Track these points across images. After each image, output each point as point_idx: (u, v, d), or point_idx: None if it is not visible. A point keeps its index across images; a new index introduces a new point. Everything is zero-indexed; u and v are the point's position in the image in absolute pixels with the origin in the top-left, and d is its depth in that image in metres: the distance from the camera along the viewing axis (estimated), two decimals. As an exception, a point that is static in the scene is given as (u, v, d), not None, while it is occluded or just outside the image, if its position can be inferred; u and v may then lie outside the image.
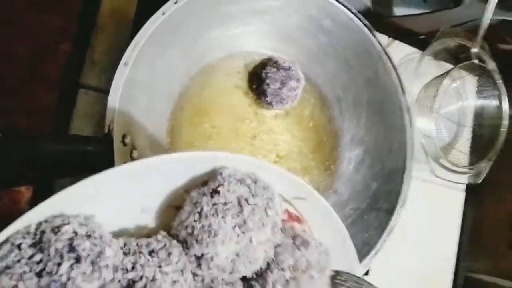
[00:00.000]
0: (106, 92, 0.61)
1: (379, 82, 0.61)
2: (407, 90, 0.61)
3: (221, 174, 0.32)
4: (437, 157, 0.75)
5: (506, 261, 0.85)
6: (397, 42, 0.80)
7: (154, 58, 0.51)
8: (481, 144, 0.80)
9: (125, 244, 0.31)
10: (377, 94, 0.63)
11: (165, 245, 0.31)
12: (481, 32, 0.70)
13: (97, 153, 0.44)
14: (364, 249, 0.57)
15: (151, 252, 0.30)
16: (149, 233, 0.34)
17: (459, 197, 0.86)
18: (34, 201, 0.55)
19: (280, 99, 0.60)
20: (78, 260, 0.26)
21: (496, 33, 0.82)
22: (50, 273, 0.25)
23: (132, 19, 0.63)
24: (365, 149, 0.65)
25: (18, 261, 0.25)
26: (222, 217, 0.31)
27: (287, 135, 0.64)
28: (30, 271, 0.25)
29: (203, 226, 0.31)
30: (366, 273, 0.66)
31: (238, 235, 0.31)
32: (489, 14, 0.66)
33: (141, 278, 0.29)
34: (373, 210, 0.60)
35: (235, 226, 0.31)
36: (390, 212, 0.58)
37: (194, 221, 0.31)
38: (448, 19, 0.81)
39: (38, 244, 0.26)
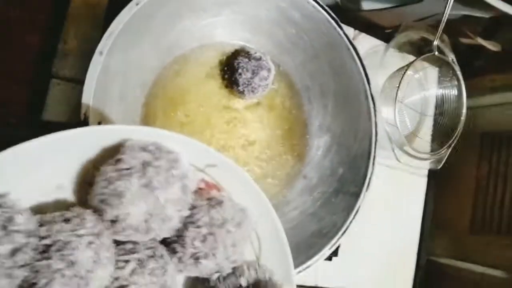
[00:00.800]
0: (79, 82, 0.62)
1: (345, 72, 0.64)
2: (372, 80, 0.64)
3: (124, 145, 0.35)
4: (401, 144, 0.78)
5: (466, 245, 0.89)
6: (363, 34, 0.83)
7: (128, 47, 0.52)
8: (442, 132, 0.84)
9: (41, 217, 0.33)
10: (343, 83, 0.65)
11: (78, 213, 0.33)
12: (442, 25, 0.73)
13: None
14: (332, 230, 0.60)
15: (65, 220, 0.32)
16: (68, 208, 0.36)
17: (422, 183, 0.90)
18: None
19: (251, 88, 0.62)
20: None
21: (457, 27, 0.86)
22: None
23: (104, 10, 0.63)
24: (332, 136, 0.68)
25: None
26: (128, 180, 0.33)
27: (258, 123, 0.66)
28: None
29: (111, 191, 0.33)
30: (335, 253, 0.69)
31: (145, 194, 0.33)
32: (448, 9, 0.70)
33: (56, 242, 0.31)
34: (340, 193, 0.63)
35: (141, 186, 0.33)
36: (356, 195, 0.61)
37: (103, 187, 0.33)
38: (412, 14, 0.85)
39: None
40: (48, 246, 0.30)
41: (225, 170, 0.40)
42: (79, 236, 0.31)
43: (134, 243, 0.36)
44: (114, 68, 0.50)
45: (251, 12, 0.63)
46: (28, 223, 0.31)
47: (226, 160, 0.40)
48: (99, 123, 0.48)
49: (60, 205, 0.35)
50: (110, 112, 0.52)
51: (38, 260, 0.30)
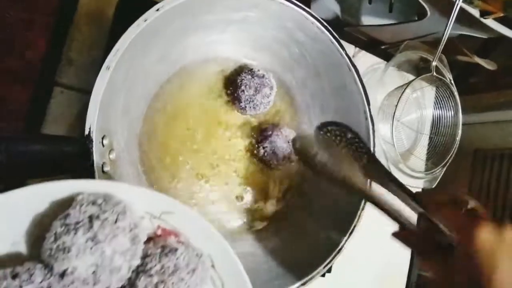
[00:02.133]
0: (82, 91, 0.62)
1: (346, 91, 0.64)
2: (371, 98, 0.65)
3: (75, 199, 0.37)
4: (396, 162, 0.79)
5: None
6: (363, 52, 0.84)
7: (133, 61, 0.52)
8: (437, 151, 0.86)
9: None
10: (343, 103, 0.66)
11: (28, 268, 0.34)
12: (441, 47, 0.74)
13: (78, 153, 0.45)
14: (328, 249, 0.60)
15: (14, 276, 0.33)
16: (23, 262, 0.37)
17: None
18: None
19: (253, 105, 0.63)
20: None
21: (455, 45, 0.87)
22: None
23: (111, 19, 0.64)
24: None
25: None
26: (74, 234, 0.34)
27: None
28: None
29: (58, 246, 0.34)
30: (328, 270, 0.70)
31: (91, 248, 0.34)
32: (448, 31, 0.71)
33: None
34: (336, 211, 0.64)
35: (87, 240, 0.34)
36: (352, 214, 0.62)
37: (51, 242, 0.34)
38: (411, 31, 0.86)
39: None
40: None
41: (183, 216, 0.41)
42: None
43: None
44: (118, 82, 0.50)
45: (257, 31, 0.64)
46: None
47: (182, 207, 0.41)
48: (103, 137, 0.49)
49: (16, 260, 0.37)
50: (114, 125, 0.52)
51: None
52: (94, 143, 0.46)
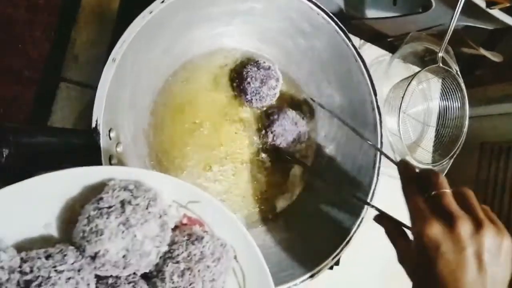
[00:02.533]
0: (87, 86, 0.63)
1: (352, 82, 0.64)
2: (377, 90, 0.64)
3: (107, 184, 0.38)
4: (403, 154, 0.79)
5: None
6: (368, 44, 0.83)
7: (139, 54, 0.52)
8: (444, 143, 0.85)
9: (26, 254, 0.35)
10: (349, 94, 0.66)
11: (61, 249, 0.35)
12: (447, 37, 0.74)
13: (85, 146, 0.45)
14: (336, 240, 0.60)
15: (47, 256, 0.34)
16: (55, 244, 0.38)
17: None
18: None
19: (259, 97, 0.62)
20: None
21: (460, 37, 0.86)
22: None
23: (116, 13, 0.64)
24: (337, 146, 0.69)
25: None
26: (107, 218, 0.36)
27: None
28: None
29: (91, 228, 0.35)
30: (337, 263, 0.69)
31: (122, 231, 0.36)
32: (454, 23, 0.70)
33: (37, 277, 0.33)
34: (345, 203, 0.64)
35: (119, 224, 0.36)
36: (360, 205, 0.62)
37: (84, 225, 0.36)
38: (416, 23, 0.86)
39: None
40: (29, 282, 0.32)
41: (208, 206, 0.43)
42: (59, 272, 0.33)
43: (116, 277, 0.38)
44: (124, 75, 0.50)
45: (262, 22, 0.63)
46: (11, 260, 0.33)
47: (208, 197, 0.42)
48: (110, 130, 0.49)
49: (47, 242, 0.38)
50: (120, 119, 0.52)
51: None
52: (101, 135, 0.46)
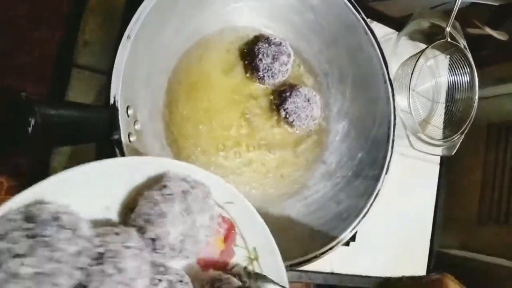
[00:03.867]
0: (99, 71, 0.63)
1: (363, 56, 0.65)
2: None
3: (167, 174, 0.41)
4: (415, 131, 0.79)
5: (474, 236, 0.90)
6: (375, 22, 0.83)
7: (153, 32, 0.53)
8: (454, 119, 0.85)
9: (98, 229, 0.37)
10: (361, 68, 0.66)
11: (125, 230, 0.38)
12: (454, 11, 0.74)
13: (105, 121, 0.45)
14: (352, 214, 0.60)
15: (116, 233, 0.37)
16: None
17: (435, 170, 0.90)
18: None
19: (271, 74, 0.62)
20: (61, 227, 0.33)
21: (465, 16, 0.86)
22: (40, 236, 0.31)
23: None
24: (350, 121, 0.69)
25: (12, 230, 0.31)
26: (171, 203, 0.38)
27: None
28: (23, 236, 0.31)
29: (156, 212, 0.38)
30: (353, 238, 0.70)
31: (184, 217, 0.39)
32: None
33: (108, 251, 0.35)
34: (360, 177, 0.64)
35: (181, 210, 0.39)
36: (376, 178, 0.62)
37: (149, 208, 0.38)
38: (420, 3, 0.86)
39: (28, 217, 0.32)
40: (101, 254, 0.34)
41: (241, 208, 0.45)
42: (128, 247, 0.35)
43: (166, 267, 0.40)
44: (139, 53, 0.51)
45: (271, -1, 0.64)
46: (88, 232, 0.35)
47: (242, 200, 0.45)
48: (128, 108, 0.49)
49: (106, 224, 0.40)
50: (137, 97, 0.52)
51: (92, 266, 0.34)
52: (119, 112, 0.46)
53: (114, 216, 0.41)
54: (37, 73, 0.62)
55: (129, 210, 0.41)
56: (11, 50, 0.61)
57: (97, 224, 0.39)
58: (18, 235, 0.31)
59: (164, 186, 0.39)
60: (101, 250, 0.34)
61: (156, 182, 0.40)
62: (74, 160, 0.60)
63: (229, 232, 0.46)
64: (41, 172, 0.59)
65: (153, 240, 0.38)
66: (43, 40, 0.62)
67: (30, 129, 0.35)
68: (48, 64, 0.63)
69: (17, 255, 0.30)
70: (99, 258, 0.34)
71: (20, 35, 0.61)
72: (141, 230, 0.38)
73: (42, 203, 0.34)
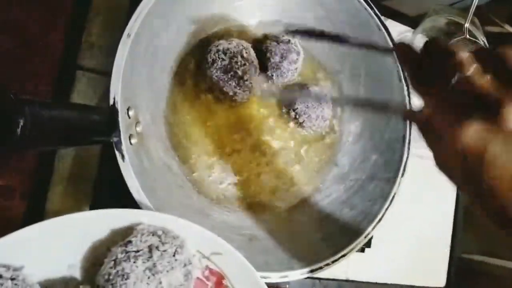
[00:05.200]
0: (104, 74, 0.62)
1: (377, 53, 0.62)
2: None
3: (135, 228, 0.38)
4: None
5: (495, 241, 0.86)
6: (389, 20, 0.81)
7: (155, 30, 0.51)
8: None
9: None
10: (374, 65, 0.63)
11: None
12: (473, 6, 0.71)
13: (103, 123, 0.44)
14: (367, 218, 0.58)
15: None
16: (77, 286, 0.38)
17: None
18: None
19: (280, 73, 0.60)
20: None
21: (484, 14, 0.83)
22: None
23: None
24: (363, 121, 0.66)
25: None
26: (134, 262, 0.35)
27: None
28: None
29: (117, 271, 0.35)
30: (368, 244, 0.67)
31: (148, 277, 0.35)
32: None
33: None
34: (374, 180, 0.61)
35: (145, 269, 0.36)
36: (391, 181, 0.59)
37: (110, 267, 0.35)
38: (438, 0, 0.83)
39: None
40: None
41: (230, 258, 0.42)
42: None
43: None
44: (141, 52, 0.49)
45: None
46: None
47: (231, 250, 0.41)
48: (128, 109, 0.47)
49: (69, 283, 0.38)
50: (139, 98, 0.51)
51: None
52: (119, 113, 0.45)
53: (78, 274, 0.38)
54: (44, 76, 0.61)
55: (99, 266, 0.38)
56: (22, 54, 0.60)
57: (57, 284, 0.37)
58: None
59: (129, 242, 0.37)
60: None
61: (124, 236, 0.38)
62: (78, 164, 0.59)
63: (219, 285, 0.43)
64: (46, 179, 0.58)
65: None
66: (52, 43, 0.62)
67: (19, 130, 0.33)
68: (54, 66, 0.62)
69: None
70: None
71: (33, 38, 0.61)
72: None
73: None
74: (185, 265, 0.38)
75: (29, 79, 0.60)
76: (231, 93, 0.58)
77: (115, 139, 0.44)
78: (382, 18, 0.70)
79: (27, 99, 0.36)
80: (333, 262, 0.54)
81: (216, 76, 0.57)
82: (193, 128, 0.59)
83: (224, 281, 0.42)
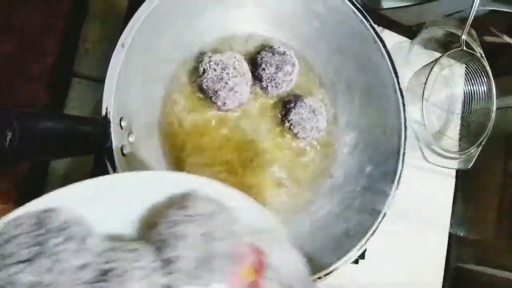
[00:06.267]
0: (99, 81, 0.61)
1: (372, 65, 0.62)
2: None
3: (191, 194, 0.38)
4: (429, 143, 0.76)
5: (492, 250, 0.86)
6: (386, 31, 0.81)
7: (149, 40, 0.51)
8: (470, 130, 0.81)
9: (108, 243, 0.35)
10: (370, 77, 0.63)
11: (139, 248, 0.35)
12: (470, 18, 0.71)
13: (95, 134, 0.43)
14: (360, 231, 0.57)
15: (129, 250, 0.34)
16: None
17: (450, 184, 0.87)
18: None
19: (275, 84, 0.60)
20: (69, 237, 0.31)
21: (482, 24, 0.83)
22: (46, 244, 0.30)
23: (126, 7, 0.63)
24: (359, 132, 0.66)
25: (21, 233, 0.30)
26: (189, 226, 0.35)
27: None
28: (31, 242, 0.30)
29: (172, 232, 0.35)
30: (362, 256, 0.67)
31: (204, 242, 0.35)
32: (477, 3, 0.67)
33: (115, 268, 0.32)
34: (369, 192, 0.61)
35: (201, 234, 0.35)
36: (385, 193, 0.59)
37: (167, 228, 0.35)
38: (434, 11, 0.83)
39: (38, 224, 0.31)
40: (108, 271, 0.32)
41: (274, 237, 0.41)
42: (137, 268, 0.33)
43: None
44: (135, 62, 0.49)
45: (274, 5, 0.61)
46: (98, 245, 0.33)
47: (278, 229, 0.41)
48: (121, 119, 0.47)
49: (123, 239, 0.38)
50: (132, 108, 0.50)
51: (95, 282, 0.32)
52: (112, 124, 0.44)
53: (133, 232, 0.38)
54: (39, 83, 0.61)
55: (150, 227, 0.38)
56: (22, 58, 0.60)
57: (113, 238, 0.37)
58: (24, 241, 0.30)
59: (186, 206, 0.36)
60: (107, 266, 0.32)
61: (182, 200, 0.37)
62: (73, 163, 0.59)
63: (260, 263, 0.40)
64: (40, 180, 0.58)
65: (168, 262, 0.35)
66: (47, 49, 0.61)
67: (6, 143, 0.33)
68: (49, 73, 0.61)
69: (19, 262, 0.29)
70: (104, 275, 0.32)
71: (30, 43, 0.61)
72: (157, 251, 0.35)
73: (56, 211, 0.33)
74: (235, 237, 0.37)
75: (24, 85, 0.60)
76: (219, 103, 0.58)
77: (107, 150, 0.44)
78: (379, 29, 0.70)
79: (16, 110, 0.35)
80: (325, 275, 0.53)
81: (206, 86, 0.57)
82: (188, 139, 0.59)
83: (264, 261, 0.40)
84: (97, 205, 0.35)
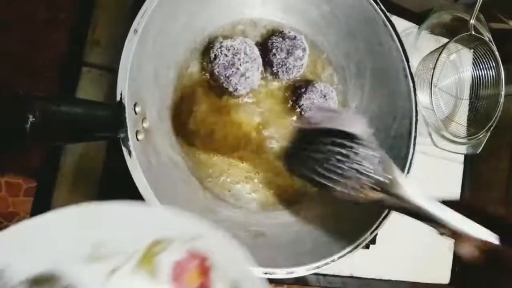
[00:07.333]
0: (108, 70, 0.62)
1: (382, 49, 0.62)
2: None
3: None
4: (438, 129, 0.75)
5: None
6: (394, 17, 0.80)
7: (161, 26, 0.51)
8: (479, 115, 0.81)
9: None
10: (380, 61, 0.63)
11: None
12: (478, 3, 0.71)
13: (111, 119, 0.44)
14: (372, 215, 0.57)
15: None
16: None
17: (459, 170, 0.87)
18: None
19: (286, 69, 0.60)
20: None
21: (490, 11, 0.83)
22: None
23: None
24: (369, 117, 0.65)
25: None
26: None
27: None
28: None
29: None
30: (373, 241, 0.67)
31: None
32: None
33: None
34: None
35: None
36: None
37: None
38: (443, -4, 0.82)
39: None
40: None
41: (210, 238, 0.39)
42: None
43: None
44: (148, 48, 0.49)
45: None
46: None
47: (210, 228, 0.38)
48: (135, 105, 0.47)
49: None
50: (145, 94, 0.50)
51: None
52: (126, 109, 0.45)
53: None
54: (50, 72, 0.61)
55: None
56: (28, 51, 0.60)
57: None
58: None
59: None
60: None
61: None
62: (84, 159, 0.59)
63: (203, 266, 0.39)
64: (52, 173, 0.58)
65: None
66: (57, 40, 0.62)
67: (28, 126, 0.33)
68: (59, 63, 0.62)
69: None
70: None
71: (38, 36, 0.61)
72: None
73: None
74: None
75: (34, 75, 0.60)
76: (231, 89, 0.58)
77: (122, 135, 0.44)
78: (387, 13, 0.70)
79: (36, 95, 0.36)
80: (339, 258, 0.53)
81: (218, 72, 0.57)
82: (200, 126, 0.59)
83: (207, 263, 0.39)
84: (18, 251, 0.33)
